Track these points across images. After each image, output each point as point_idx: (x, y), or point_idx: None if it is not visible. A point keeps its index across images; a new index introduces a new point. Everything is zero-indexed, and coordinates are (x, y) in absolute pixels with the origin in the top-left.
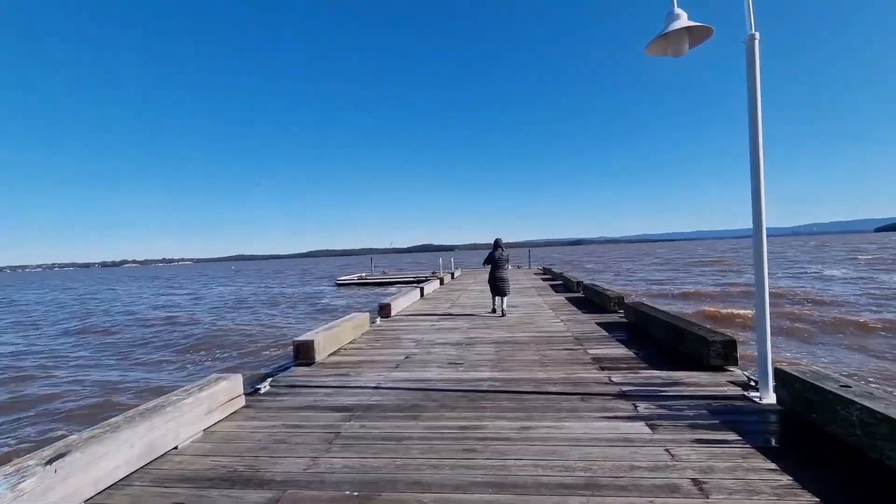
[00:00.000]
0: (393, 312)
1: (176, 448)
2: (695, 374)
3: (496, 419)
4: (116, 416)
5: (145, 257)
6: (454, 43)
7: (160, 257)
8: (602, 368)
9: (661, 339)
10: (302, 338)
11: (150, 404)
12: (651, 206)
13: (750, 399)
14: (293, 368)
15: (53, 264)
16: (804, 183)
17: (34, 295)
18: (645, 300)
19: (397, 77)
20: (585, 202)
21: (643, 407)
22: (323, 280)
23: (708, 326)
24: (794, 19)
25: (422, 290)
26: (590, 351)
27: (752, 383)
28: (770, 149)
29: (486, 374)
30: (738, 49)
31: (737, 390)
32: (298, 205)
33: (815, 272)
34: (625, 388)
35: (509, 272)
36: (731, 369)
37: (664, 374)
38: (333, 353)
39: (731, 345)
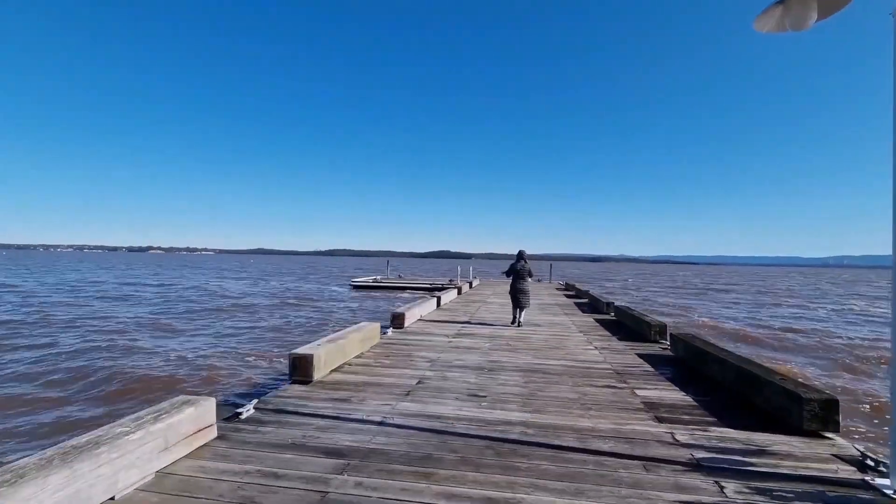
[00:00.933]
0: (407, 323)
1: (112, 500)
2: (783, 438)
3: (534, 488)
4: (33, 455)
5: (170, 245)
6: (489, 52)
7: (184, 246)
8: (659, 419)
9: (723, 385)
10: (300, 351)
11: (79, 440)
12: (672, 227)
13: (877, 489)
14: (287, 387)
15: (83, 246)
16: (835, 213)
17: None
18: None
19: (423, 84)
20: (607, 219)
21: (732, 489)
22: (340, 279)
23: (795, 379)
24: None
25: (438, 299)
26: (638, 392)
27: (873, 464)
28: (798, 176)
29: (516, 416)
30: (789, 56)
31: (850, 471)
32: (320, 203)
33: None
34: (698, 455)
35: (530, 285)
36: (831, 437)
37: (741, 435)
38: (336, 370)
39: (831, 405)
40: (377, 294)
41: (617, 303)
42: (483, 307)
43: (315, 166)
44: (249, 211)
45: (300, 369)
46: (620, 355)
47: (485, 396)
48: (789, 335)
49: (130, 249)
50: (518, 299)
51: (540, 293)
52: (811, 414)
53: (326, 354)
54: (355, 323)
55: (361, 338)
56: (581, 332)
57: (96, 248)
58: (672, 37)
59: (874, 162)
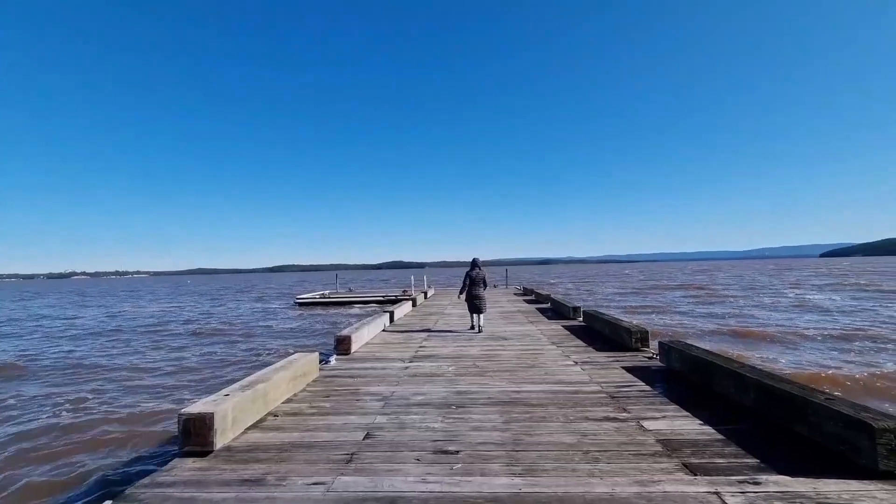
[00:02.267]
0: (354, 347)
1: None
2: (860, 487)
3: None
4: None
5: (96, 269)
6: (427, 58)
7: (113, 269)
8: (691, 469)
9: (745, 407)
10: (196, 408)
11: None
12: (614, 228)
13: None
14: (174, 465)
15: None
16: (756, 207)
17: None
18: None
19: (362, 93)
20: (553, 223)
21: None
22: (284, 297)
23: (845, 399)
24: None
25: (391, 314)
26: (646, 424)
27: None
28: (722, 172)
29: (503, 485)
30: (727, 64)
31: None
32: (265, 219)
33: (820, 301)
34: None
35: (486, 291)
36: None
37: (806, 486)
38: (254, 427)
39: None
40: (323, 312)
41: (584, 307)
42: (441, 320)
43: (258, 182)
44: (188, 231)
45: (195, 435)
46: (606, 370)
47: (457, 453)
48: (769, 328)
49: (50, 276)
50: (475, 305)
51: (499, 300)
52: (888, 449)
53: (237, 408)
54: (294, 351)
55: (292, 375)
56: (553, 343)
57: (9, 276)
58: (604, 31)
59: (787, 160)
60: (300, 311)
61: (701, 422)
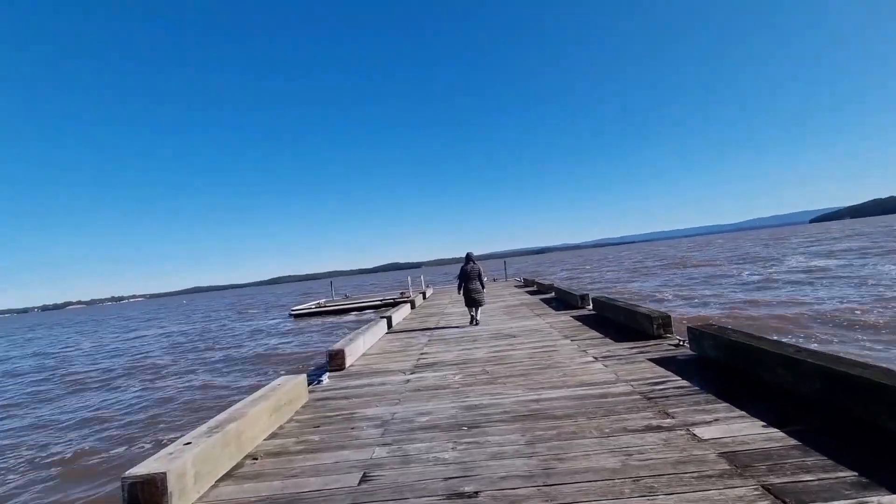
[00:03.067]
0: (349, 361)
1: None
2: None
3: None
4: None
5: (91, 297)
6: (418, 58)
7: (109, 296)
8: (778, 496)
9: (813, 399)
10: (142, 469)
11: None
12: (606, 211)
13: None
14: None
15: None
16: (745, 180)
17: None
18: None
19: (355, 93)
20: (546, 212)
21: None
22: (279, 309)
23: None
24: (727, 11)
25: (388, 319)
26: (699, 431)
27: None
28: (710, 148)
29: None
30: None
31: None
32: (259, 233)
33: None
34: None
35: (487, 285)
36: None
37: None
38: (227, 478)
39: None
40: (318, 322)
41: (596, 295)
42: (442, 320)
43: (249, 196)
44: (181, 251)
45: None
46: (631, 365)
47: (475, 495)
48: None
49: (45, 308)
50: (473, 299)
51: (500, 294)
52: None
53: (202, 459)
54: (283, 373)
55: (274, 406)
56: (566, 337)
57: (2, 312)
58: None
59: (777, 131)
60: (295, 324)
61: (763, 423)
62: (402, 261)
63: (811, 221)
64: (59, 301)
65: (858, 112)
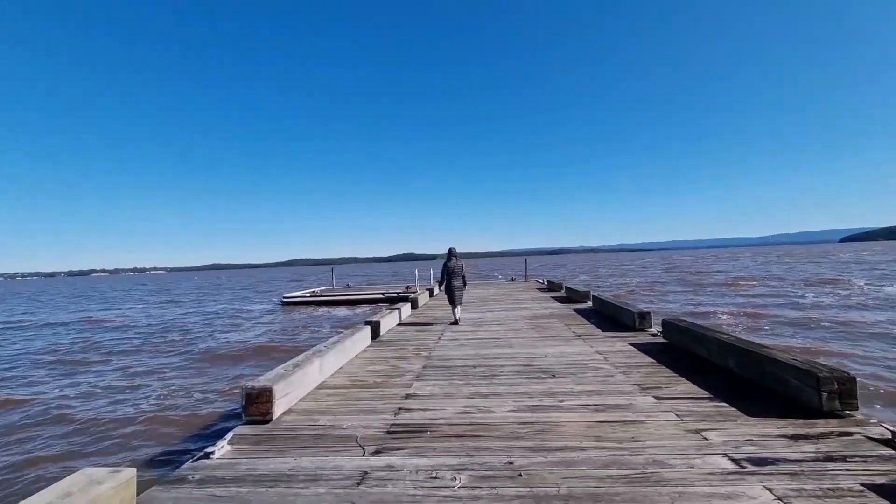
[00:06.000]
0: (281, 406)
1: None
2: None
3: None
4: None
5: (115, 266)
6: (443, 52)
7: (131, 266)
8: None
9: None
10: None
11: None
12: (625, 216)
13: None
14: None
15: (16, 273)
16: (771, 193)
17: None
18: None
19: (379, 85)
20: (565, 212)
21: None
22: (275, 294)
23: None
24: (765, 20)
25: (375, 326)
26: None
27: None
28: (738, 158)
29: None
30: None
31: None
32: (280, 214)
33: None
34: None
35: (503, 286)
36: None
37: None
38: None
39: None
40: (303, 315)
41: (652, 309)
42: (448, 333)
43: (273, 177)
44: (203, 227)
45: None
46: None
47: None
48: None
49: (70, 274)
50: (454, 298)
51: (521, 297)
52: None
53: None
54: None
55: None
56: (641, 387)
57: (31, 275)
58: (599, 35)
59: (804, 145)
60: (281, 314)
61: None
62: (417, 252)
63: (841, 241)
64: (85, 268)
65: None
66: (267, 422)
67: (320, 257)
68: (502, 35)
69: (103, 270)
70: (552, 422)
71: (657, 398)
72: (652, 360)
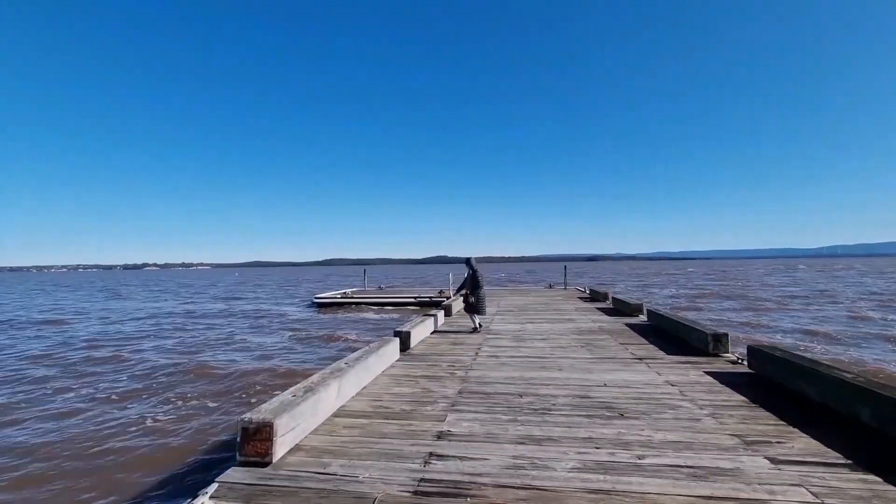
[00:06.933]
0: (284, 447)
1: None
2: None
3: None
4: None
5: (165, 261)
6: (489, 59)
7: (180, 261)
8: None
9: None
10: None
11: None
12: (665, 223)
13: None
14: None
15: (77, 265)
16: (825, 202)
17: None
18: None
19: (415, 89)
20: (601, 218)
21: None
22: (308, 294)
23: None
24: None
25: (405, 337)
26: None
27: None
28: (790, 165)
29: None
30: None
31: None
32: (319, 214)
33: None
34: None
35: (542, 294)
36: None
37: None
38: None
39: None
40: (328, 318)
41: (729, 333)
42: (487, 345)
43: (314, 178)
44: (248, 224)
45: None
46: None
47: None
48: None
49: (126, 267)
50: (482, 306)
51: (562, 307)
52: None
53: None
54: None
55: None
56: (745, 441)
57: (92, 267)
58: (661, 40)
59: (865, 153)
60: (309, 316)
61: None
62: (450, 255)
63: None
64: (139, 262)
65: None
66: (266, 464)
67: (355, 257)
68: (546, 45)
69: (154, 264)
70: (634, 492)
71: (773, 461)
72: (742, 399)
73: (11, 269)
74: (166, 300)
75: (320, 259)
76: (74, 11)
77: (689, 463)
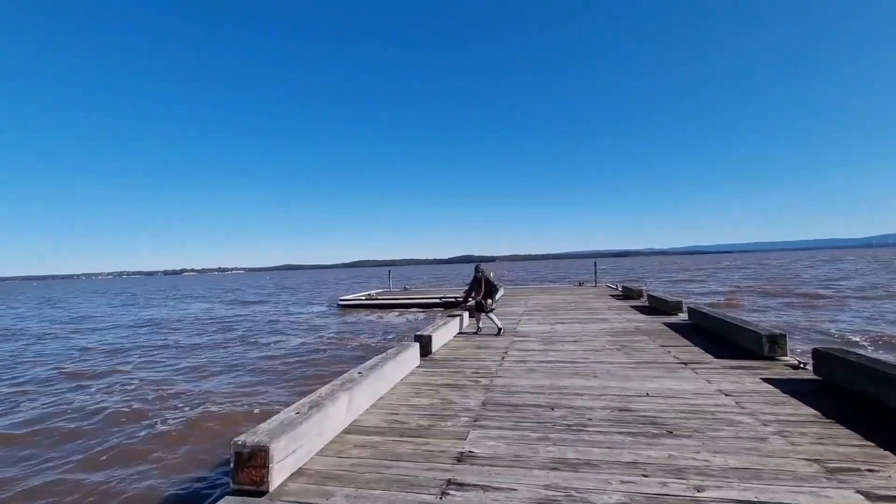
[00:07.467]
0: (282, 474)
1: None
2: None
3: None
4: None
5: (202, 266)
6: (524, 58)
7: (216, 266)
8: None
9: None
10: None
11: None
12: (697, 216)
13: None
14: None
15: (122, 272)
16: (876, 187)
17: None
18: None
19: (438, 88)
20: (630, 211)
21: None
22: (333, 296)
23: None
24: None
25: (426, 341)
26: None
27: None
28: (837, 151)
29: None
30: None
31: None
32: (346, 217)
33: None
34: None
35: (570, 292)
36: None
37: None
38: None
39: None
40: (352, 320)
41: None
42: (515, 348)
43: (340, 180)
44: (278, 229)
45: None
46: None
47: None
48: None
49: (166, 273)
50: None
51: (594, 306)
52: None
53: None
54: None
55: None
56: (832, 475)
57: (135, 273)
58: (685, 34)
59: None
60: (336, 318)
61: None
62: (476, 254)
63: None
64: (178, 268)
65: None
66: (262, 493)
67: (382, 259)
68: (574, 42)
69: (192, 270)
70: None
71: (868, 497)
72: (813, 412)
73: (63, 278)
74: (221, 300)
75: (348, 261)
76: (90, 12)
77: (762, 497)
